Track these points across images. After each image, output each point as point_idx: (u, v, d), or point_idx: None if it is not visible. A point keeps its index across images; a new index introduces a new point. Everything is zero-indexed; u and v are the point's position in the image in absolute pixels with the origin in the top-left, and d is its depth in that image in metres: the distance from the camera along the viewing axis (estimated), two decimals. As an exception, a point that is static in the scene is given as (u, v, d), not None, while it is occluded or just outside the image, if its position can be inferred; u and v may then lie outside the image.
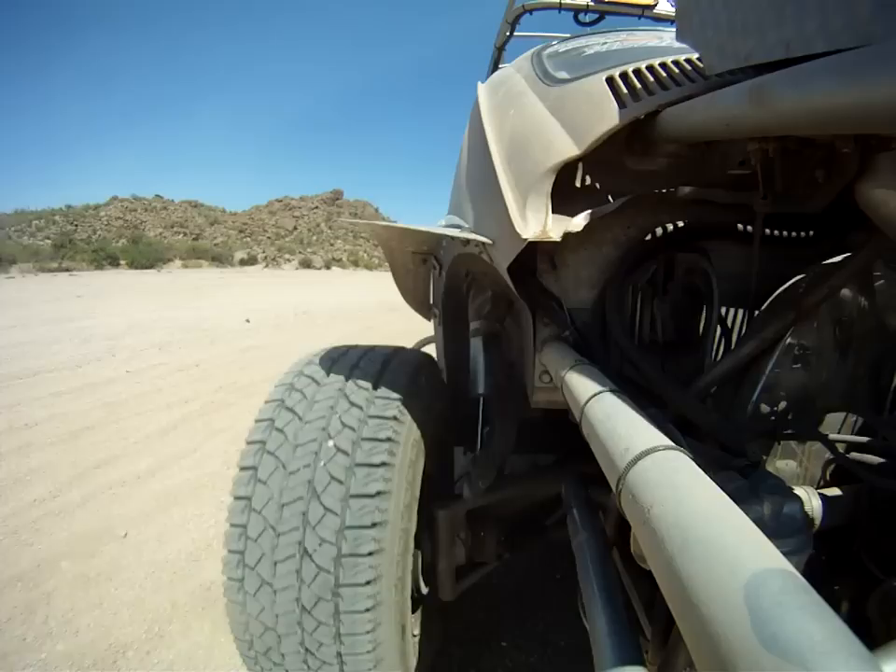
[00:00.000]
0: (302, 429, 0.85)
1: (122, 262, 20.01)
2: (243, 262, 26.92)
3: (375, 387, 0.89)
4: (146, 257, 21.19)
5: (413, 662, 0.97)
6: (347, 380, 0.90)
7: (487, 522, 1.10)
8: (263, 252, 31.27)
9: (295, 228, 46.19)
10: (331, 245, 44.32)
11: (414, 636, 1.02)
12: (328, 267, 33.08)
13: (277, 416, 0.88)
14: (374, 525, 0.77)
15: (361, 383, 0.89)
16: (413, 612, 0.97)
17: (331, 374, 0.93)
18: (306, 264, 31.54)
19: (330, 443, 0.81)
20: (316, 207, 51.28)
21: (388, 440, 0.83)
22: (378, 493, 0.78)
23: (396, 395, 0.88)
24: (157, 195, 41.36)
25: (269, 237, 41.34)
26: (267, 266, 27.67)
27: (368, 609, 0.77)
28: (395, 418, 0.85)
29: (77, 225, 29.67)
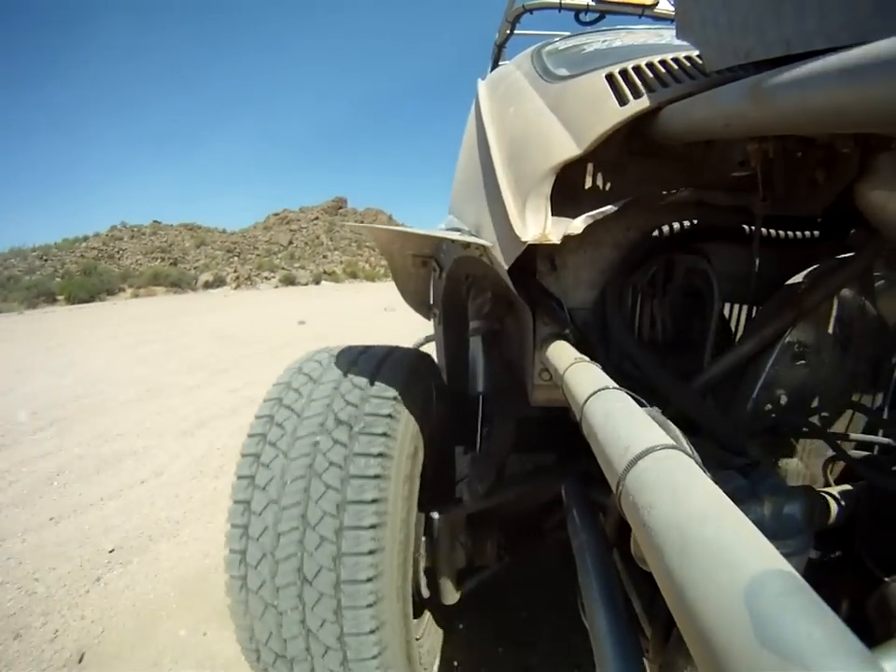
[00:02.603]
0: (308, 406, 0.87)
1: (59, 297, 17.35)
2: (207, 285, 23.29)
3: (371, 384, 0.90)
4: (86, 290, 18.12)
5: (419, 665, 0.98)
6: (345, 376, 0.91)
7: (487, 525, 1.10)
8: (234, 272, 27.40)
9: (291, 242, 42.72)
10: (324, 257, 40.86)
11: (418, 639, 1.02)
12: (317, 282, 29.08)
13: (276, 412, 0.90)
14: (373, 527, 0.78)
15: (357, 380, 0.90)
16: (415, 617, 0.97)
17: (329, 371, 0.94)
18: (289, 281, 27.48)
19: (327, 437, 0.82)
20: (317, 218, 48.10)
21: (384, 434, 0.83)
22: (376, 475, 0.79)
23: (392, 391, 0.89)
24: (154, 220, 38.89)
25: (259, 254, 37.70)
26: (238, 287, 24.15)
27: (370, 605, 0.77)
28: (390, 416, 0.86)
29: (46, 259, 26.76)
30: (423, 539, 1.01)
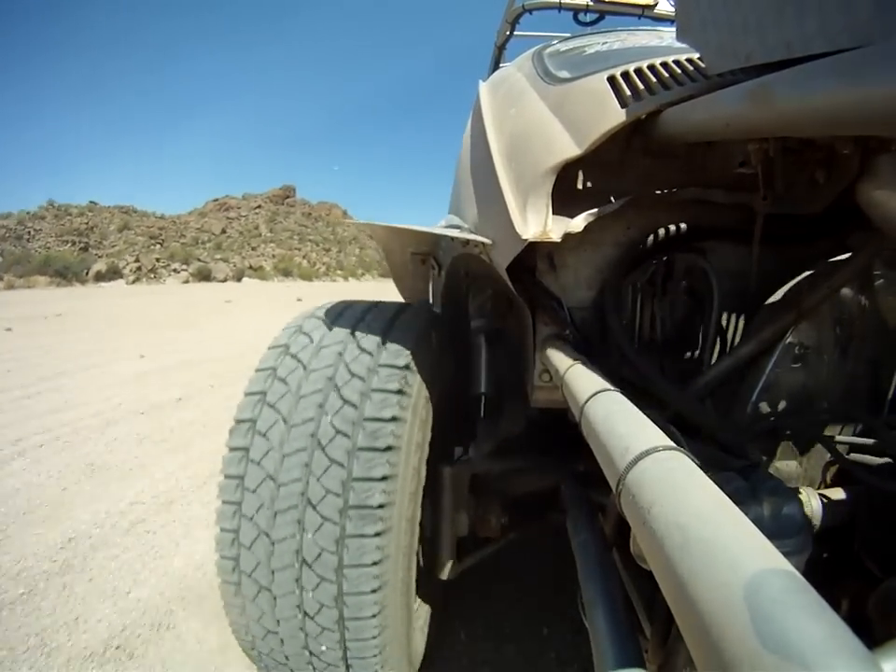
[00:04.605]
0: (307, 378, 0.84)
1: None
2: (99, 277, 18.85)
3: (384, 340, 0.88)
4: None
5: (419, 635, 0.97)
6: (354, 331, 0.89)
7: (492, 494, 1.09)
8: (136, 261, 22.29)
9: (224, 231, 37.85)
10: (253, 249, 35.75)
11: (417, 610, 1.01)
12: (238, 278, 24.36)
13: (280, 365, 0.88)
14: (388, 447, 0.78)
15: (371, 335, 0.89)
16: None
17: (337, 325, 0.92)
18: (203, 276, 22.42)
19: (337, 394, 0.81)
20: (259, 207, 43.80)
21: (399, 392, 0.82)
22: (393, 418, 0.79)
23: (407, 347, 0.87)
24: (91, 201, 34.66)
25: (184, 242, 32.83)
26: (137, 280, 19.75)
27: (375, 563, 0.76)
28: (406, 367, 0.85)
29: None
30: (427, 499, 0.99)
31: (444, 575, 1.03)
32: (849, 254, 0.71)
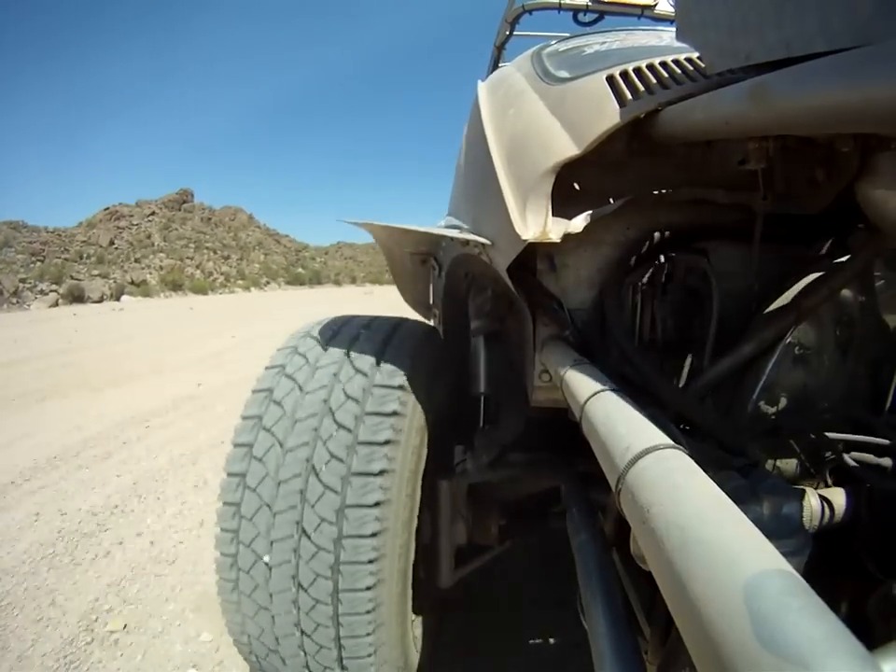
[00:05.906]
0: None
1: None
2: None
3: (381, 355, 0.91)
4: None
5: (415, 649, 0.97)
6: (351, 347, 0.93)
7: (489, 502, 1.08)
8: None
9: (111, 242, 34.24)
10: (136, 261, 32.31)
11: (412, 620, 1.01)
12: (116, 297, 21.53)
13: (289, 362, 0.93)
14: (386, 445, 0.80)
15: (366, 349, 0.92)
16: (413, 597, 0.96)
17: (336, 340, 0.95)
18: (75, 296, 19.65)
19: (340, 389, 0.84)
20: (153, 214, 39.84)
21: (399, 391, 0.86)
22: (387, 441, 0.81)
23: (402, 362, 0.90)
24: None
25: (66, 258, 29.08)
26: None
27: (369, 588, 0.77)
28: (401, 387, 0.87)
29: None
30: (425, 512, 1.00)
31: (442, 583, 1.03)
32: (850, 254, 0.70)
